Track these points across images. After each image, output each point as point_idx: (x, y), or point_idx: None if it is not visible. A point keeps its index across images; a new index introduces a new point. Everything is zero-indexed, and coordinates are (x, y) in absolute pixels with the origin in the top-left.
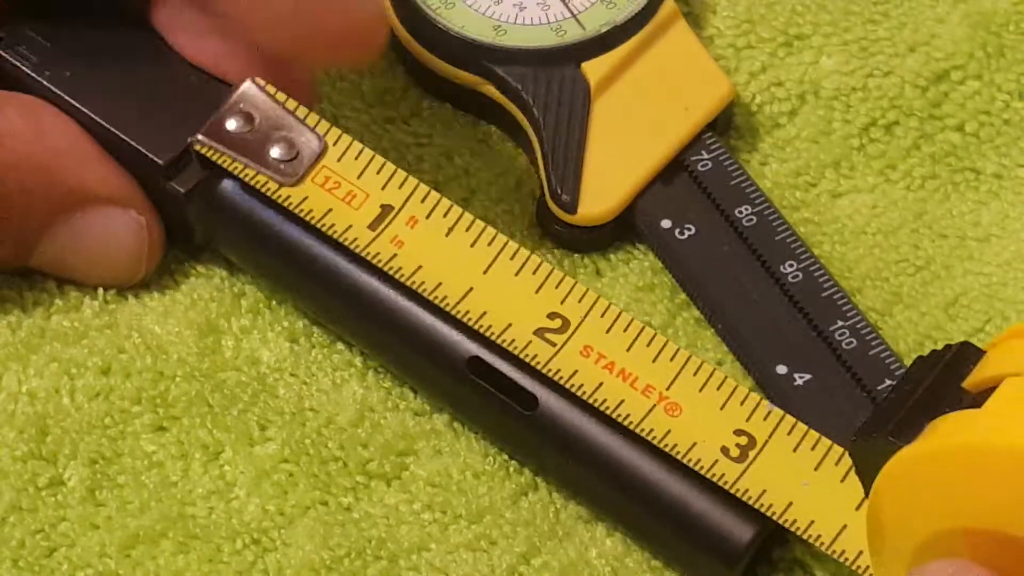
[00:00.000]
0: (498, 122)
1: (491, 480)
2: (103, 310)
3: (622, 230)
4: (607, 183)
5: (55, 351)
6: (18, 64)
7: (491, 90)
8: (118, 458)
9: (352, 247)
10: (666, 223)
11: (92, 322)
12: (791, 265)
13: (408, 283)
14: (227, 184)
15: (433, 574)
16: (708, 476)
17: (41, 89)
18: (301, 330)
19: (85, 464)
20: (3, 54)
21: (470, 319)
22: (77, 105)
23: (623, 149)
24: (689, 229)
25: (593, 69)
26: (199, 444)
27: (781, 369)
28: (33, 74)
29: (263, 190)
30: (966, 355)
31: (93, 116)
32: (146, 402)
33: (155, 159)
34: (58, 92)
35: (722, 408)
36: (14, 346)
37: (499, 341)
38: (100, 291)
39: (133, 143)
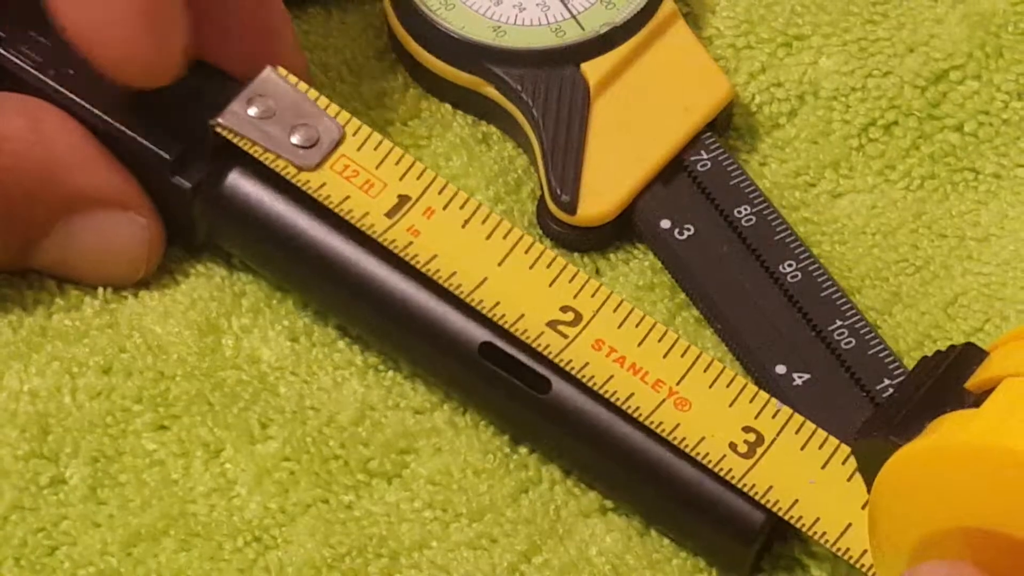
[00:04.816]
0: (498, 122)
1: (491, 478)
2: (104, 309)
3: (622, 230)
4: (607, 183)
5: (56, 350)
6: (21, 63)
7: (491, 91)
8: (119, 457)
9: (369, 232)
10: (666, 223)
11: (93, 321)
12: (790, 265)
13: (423, 270)
14: (234, 177)
15: (434, 572)
16: (715, 471)
17: (45, 88)
18: (302, 329)
19: (86, 463)
20: (5, 54)
21: (484, 307)
22: (81, 103)
23: (623, 149)
24: (688, 229)
25: (593, 69)
26: (200, 442)
27: (780, 369)
28: (36, 73)
29: (283, 174)
30: (969, 356)
31: (98, 113)
32: (147, 401)
33: (162, 154)
34: (62, 90)
35: (731, 405)
36: (15, 345)
37: (512, 330)
38: (100, 290)
39: (139, 139)
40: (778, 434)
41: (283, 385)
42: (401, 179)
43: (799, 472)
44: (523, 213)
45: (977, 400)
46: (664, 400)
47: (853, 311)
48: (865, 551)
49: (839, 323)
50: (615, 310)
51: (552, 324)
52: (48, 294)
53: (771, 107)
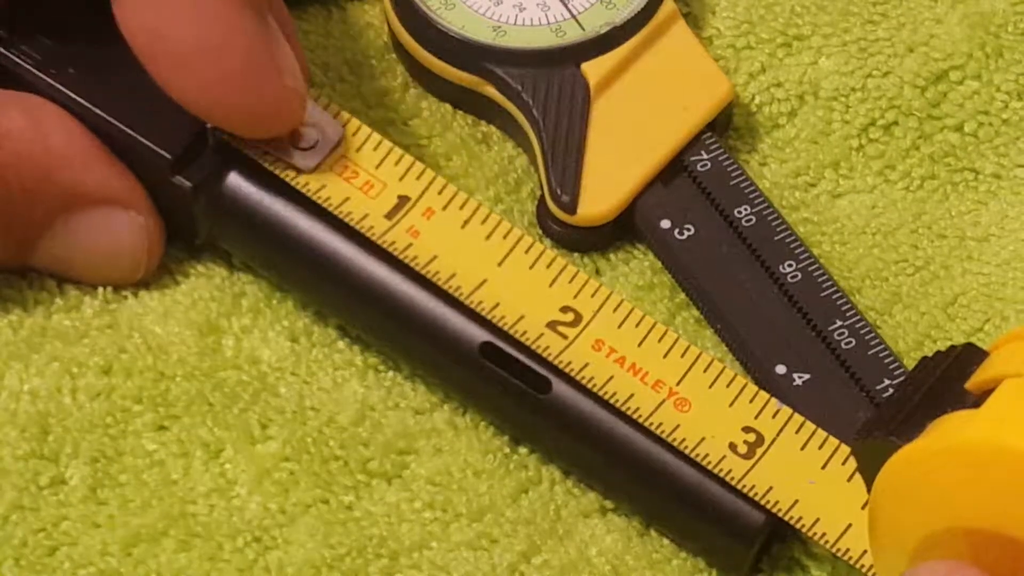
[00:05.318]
0: (498, 122)
1: (491, 478)
2: (104, 310)
3: (622, 230)
4: (607, 183)
5: (56, 350)
6: (21, 62)
7: (491, 91)
8: (119, 457)
9: (368, 235)
10: (665, 223)
11: (93, 321)
12: (790, 265)
13: (423, 272)
14: (235, 177)
15: (434, 572)
16: (715, 472)
17: (45, 87)
18: (302, 329)
19: (87, 463)
20: (6, 52)
21: (483, 309)
22: (82, 102)
23: (623, 149)
24: (688, 229)
25: (593, 69)
26: (200, 443)
27: (780, 369)
28: (37, 72)
29: (282, 176)
30: (969, 356)
31: (98, 112)
32: (147, 401)
33: (163, 153)
34: (62, 89)
35: (731, 405)
36: (15, 345)
37: (511, 332)
38: (100, 290)
39: (140, 138)
40: (778, 434)
41: (283, 385)
42: (401, 179)
43: (799, 472)
44: (523, 213)
45: (977, 400)
46: (664, 401)
47: (853, 311)
48: (865, 551)
49: (839, 323)
50: (615, 310)
51: (552, 325)
52: (48, 294)
53: (771, 107)
